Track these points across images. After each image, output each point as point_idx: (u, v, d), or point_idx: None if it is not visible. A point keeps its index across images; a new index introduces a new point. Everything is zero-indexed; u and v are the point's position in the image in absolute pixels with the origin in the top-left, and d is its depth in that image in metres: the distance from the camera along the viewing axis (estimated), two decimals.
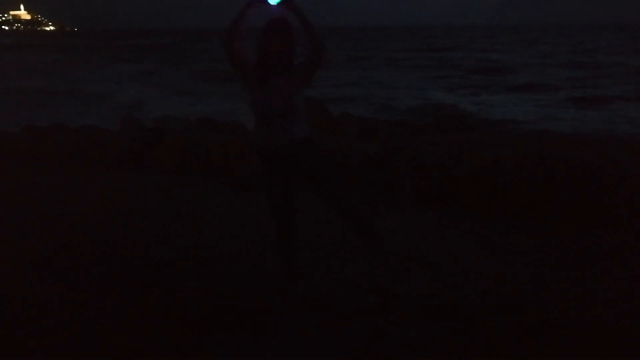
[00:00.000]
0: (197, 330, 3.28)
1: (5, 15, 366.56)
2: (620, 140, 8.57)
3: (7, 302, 3.61)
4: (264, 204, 3.58)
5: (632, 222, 5.34)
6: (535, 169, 5.98)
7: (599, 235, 5.19)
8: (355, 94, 26.80)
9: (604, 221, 5.44)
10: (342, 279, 4.06)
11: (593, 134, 15.27)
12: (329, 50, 3.23)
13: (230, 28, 3.22)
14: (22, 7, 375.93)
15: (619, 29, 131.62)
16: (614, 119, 19.48)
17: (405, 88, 29.19)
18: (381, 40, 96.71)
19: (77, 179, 7.54)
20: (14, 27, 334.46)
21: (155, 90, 28.90)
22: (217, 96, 25.05)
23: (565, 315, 3.56)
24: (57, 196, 6.46)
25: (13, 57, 57.85)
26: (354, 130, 9.93)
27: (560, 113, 21.38)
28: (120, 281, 3.96)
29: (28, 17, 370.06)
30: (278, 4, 3.10)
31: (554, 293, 3.93)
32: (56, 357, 3.01)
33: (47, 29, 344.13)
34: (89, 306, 3.57)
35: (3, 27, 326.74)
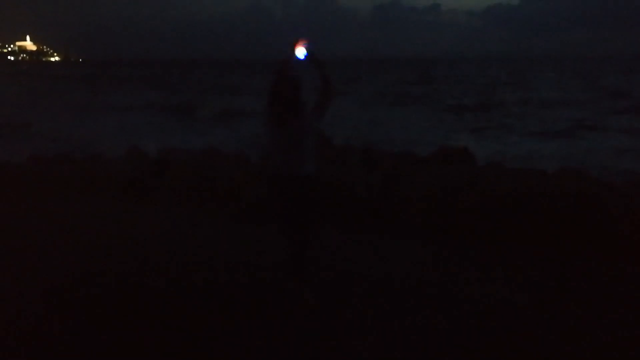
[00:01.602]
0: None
1: (12, 45, 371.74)
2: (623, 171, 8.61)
3: (15, 333, 3.61)
4: (265, 235, 3.67)
5: (636, 251, 5.36)
6: (539, 201, 6.01)
7: (602, 264, 5.21)
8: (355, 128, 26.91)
9: (608, 251, 5.45)
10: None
11: (596, 165, 15.36)
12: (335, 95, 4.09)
13: (283, 68, 3.93)
14: (28, 37, 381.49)
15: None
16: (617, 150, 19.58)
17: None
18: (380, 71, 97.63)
19: (82, 208, 7.58)
20: (20, 58, 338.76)
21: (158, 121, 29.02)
22: (222, 127, 25.22)
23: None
24: (63, 226, 6.49)
25: None
26: (357, 161, 9.96)
27: (564, 146, 21.48)
28: (123, 311, 3.96)
29: (34, 47, 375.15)
30: (305, 57, 3.89)
31: (553, 326, 3.92)
32: None
33: (52, 59, 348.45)
34: (92, 336, 3.56)
35: (9, 57, 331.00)
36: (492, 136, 24.14)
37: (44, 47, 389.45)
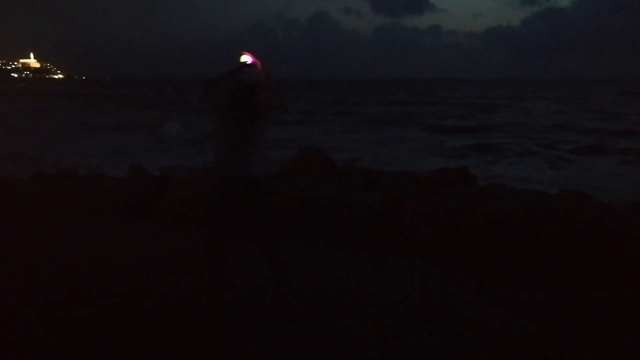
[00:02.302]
0: None
1: (15, 63, 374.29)
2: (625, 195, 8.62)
3: (8, 353, 3.59)
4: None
5: (637, 277, 5.35)
6: (540, 223, 6.02)
7: (604, 288, 5.19)
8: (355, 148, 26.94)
9: (610, 274, 5.44)
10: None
11: (595, 187, 15.35)
12: (286, 99, 4.50)
13: (218, 82, 4.08)
14: (31, 55, 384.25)
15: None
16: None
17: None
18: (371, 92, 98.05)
19: (83, 226, 7.58)
20: (23, 75, 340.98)
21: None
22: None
23: None
24: (63, 244, 6.49)
25: None
26: (358, 182, 9.99)
27: (562, 168, 21.51)
28: (120, 333, 3.94)
29: (37, 65, 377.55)
30: (252, 62, 4.12)
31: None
32: None
33: (56, 77, 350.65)
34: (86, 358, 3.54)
35: (12, 74, 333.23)
36: (489, 159, 24.15)
37: (48, 64, 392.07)
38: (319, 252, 6.51)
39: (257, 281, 4.93)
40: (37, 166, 15.63)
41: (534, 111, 50.23)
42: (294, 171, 10.24)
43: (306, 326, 4.10)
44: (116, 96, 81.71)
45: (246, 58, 4.11)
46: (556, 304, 4.89)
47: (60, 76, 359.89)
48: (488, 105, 58.72)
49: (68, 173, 11.46)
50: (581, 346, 3.99)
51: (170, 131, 34.07)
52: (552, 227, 5.95)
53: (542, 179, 18.52)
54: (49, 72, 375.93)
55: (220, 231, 4.22)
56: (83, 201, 8.95)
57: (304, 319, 4.21)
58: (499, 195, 7.27)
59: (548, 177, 19.24)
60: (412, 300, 4.79)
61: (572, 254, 5.75)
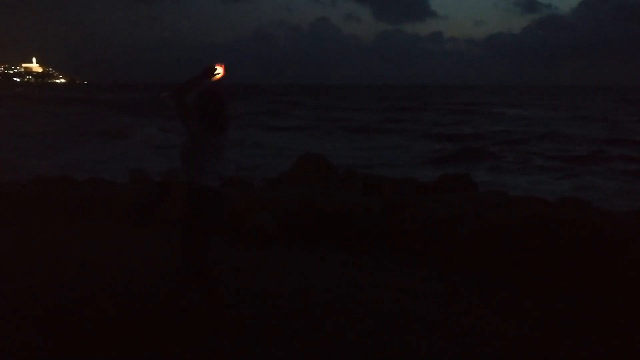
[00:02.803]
0: None
1: (18, 67, 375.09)
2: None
3: (9, 356, 3.59)
4: (267, 260, 3.54)
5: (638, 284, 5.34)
6: (539, 230, 6.02)
7: (605, 295, 5.19)
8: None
9: (611, 282, 5.44)
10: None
11: (595, 194, 15.35)
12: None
13: (186, 87, 4.05)
14: (34, 59, 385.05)
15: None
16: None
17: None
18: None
19: (83, 231, 7.59)
20: (25, 79, 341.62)
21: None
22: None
23: None
24: (63, 250, 6.49)
25: None
26: (358, 187, 10.00)
27: (561, 175, 21.49)
28: (119, 337, 3.94)
29: (40, 69, 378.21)
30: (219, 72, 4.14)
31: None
32: None
33: (58, 81, 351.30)
34: None
35: (14, 78, 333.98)
36: (488, 166, 24.08)
37: (50, 69, 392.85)
38: (315, 256, 6.52)
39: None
40: (39, 171, 15.53)
41: (533, 118, 50.19)
42: (295, 176, 10.26)
43: (300, 331, 4.11)
44: (111, 100, 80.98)
45: (219, 69, 4.12)
46: (558, 310, 4.89)
47: (63, 80, 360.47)
48: (488, 113, 58.67)
49: (69, 178, 11.45)
50: (584, 352, 3.98)
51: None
52: (553, 234, 5.95)
53: (541, 187, 18.47)
54: (51, 76, 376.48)
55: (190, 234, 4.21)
56: (84, 206, 8.96)
57: (293, 325, 4.20)
58: (500, 202, 7.28)
59: (548, 185, 19.20)
60: (411, 307, 4.79)
61: (574, 261, 5.75)
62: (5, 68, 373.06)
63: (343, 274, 5.79)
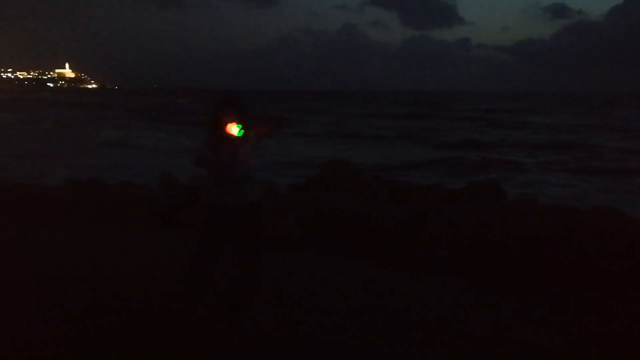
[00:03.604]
0: None
1: (51, 73, 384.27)
2: None
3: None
4: (294, 265, 3.52)
5: None
6: (573, 239, 5.91)
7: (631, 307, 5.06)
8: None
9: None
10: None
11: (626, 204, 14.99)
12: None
13: (207, 160, 3.71)
14: (67, 65, 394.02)
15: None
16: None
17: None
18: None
19: (112, 234, 7.69)
20: (59, 84, 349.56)
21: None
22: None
23: None
24: (91, 252, 6.57)
25: None
26: (385, 194, 9.96)
27: (586, 184, 21.09)
28: (140, 341, 3.96)
29: (72, 75, 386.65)
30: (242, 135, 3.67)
31: None
32: None
33: (90, 86, 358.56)
34: None
35: (48, 84, 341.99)
36: (514, 174, 23.69)
37: (82, 74, 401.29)
38: (340, 263, 6.49)
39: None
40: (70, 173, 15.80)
41: (564, 126, 49.39)
42: (321, 182, 10.26)
43: (319, 341, 4.08)
44: (137, 106, 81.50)
45: (235, 130, 3.64)
46: (589, 322, 4.77)
47: (94, 86, 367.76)
48: (516, 120, 57.93)
49: (100, 181, 11.66)
50: None
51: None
52: (585, 243, 5.82)
53: (571, 195, 18.15)
54: (83, 81, 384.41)
55: (207, 253, 3.92)
56: (114, 209, 9.09)
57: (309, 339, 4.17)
58: (530, 211, 7.16)
59: (578, 193, 18.84)
60: (441, 314, 4.73)
61: (605, 270, 5.62)
62: (39, 73, 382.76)
63: (367, 282, 5.75)
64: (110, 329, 4.16)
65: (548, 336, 4.40)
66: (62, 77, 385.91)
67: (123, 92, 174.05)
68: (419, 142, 37.12)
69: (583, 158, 28.02)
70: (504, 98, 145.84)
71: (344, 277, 5.87)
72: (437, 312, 4.80)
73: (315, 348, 3.93)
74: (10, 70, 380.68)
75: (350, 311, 4.75)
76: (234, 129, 3.62)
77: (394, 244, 7.02)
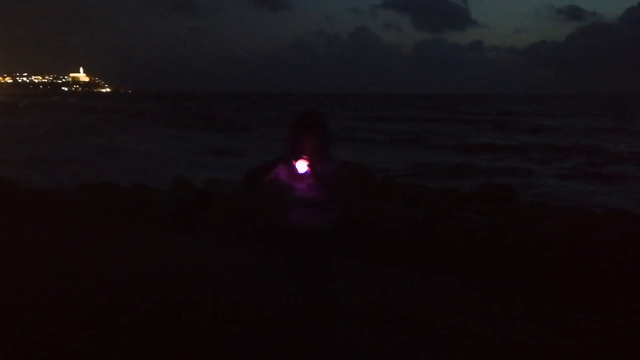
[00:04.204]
0: None
1: (66, 77, 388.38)
2: None
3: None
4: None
5: None
6: (587, 242, 5.86)
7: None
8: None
9: None
10: None
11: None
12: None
13: (258, 176, 3.55)
14: (81, 69, 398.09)
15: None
16: None
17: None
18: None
19: (126, 237, 7.75)
20: (73, 89, 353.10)
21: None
22: (260, 158, 25.38)
23: None
24: (106, 255, 6.64)
25: None
26: (398, 197, 9.94)
27: (606, 186, 20.89)
28: (152, 345, 3.99)
29: (86, 79, 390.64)
30: (304, 172, 3.45)
31: None
32: None
33: (103, 90, 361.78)
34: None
35: (63, 88, 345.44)
36: (527, 177, 23.47)
37: (96, 78, 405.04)
38: (355, 266, 6.49)
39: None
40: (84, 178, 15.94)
41: (576, 129, 48.93)
42: None
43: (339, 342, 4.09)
44: (151, 109, 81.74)
45: (302, 166, 3.44)
46: (601, 326, 4.73)
47: (108, 90, 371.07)
48: (529, 122, 57.51)
49: (113, 185, 11.75)
50: None
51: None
52: (600, 246, 5.77)
53: (585, 198, 17.99)
54: (97, 85, 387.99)
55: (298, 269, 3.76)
56: (127, 213, 9.16)
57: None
58: (544, 213, 7.12)
59: (591, 197, 18.67)
60: (452, 318, 4.72)
61: (620, 275, 5.57)
62: (54, 77, 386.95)
63: (381, 284, 5.75)
64: (125, 328, 4.20)
65: (565, 342, 4.37)
66: (76, 81, 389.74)
67: (136, 96, 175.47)
68: (432, 146, 36.96)
69: (598, 163, 27.72)
70: (518, 101, 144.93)
71: (358, 279, 5.87)
72: (447, 315, 4.79)
73: (328, 349, 3.93)
74: (26, 74, 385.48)
75: (365, 313, 4.75)
76: (299, 165, 3.43)
77: (408, 246, 7.00)
